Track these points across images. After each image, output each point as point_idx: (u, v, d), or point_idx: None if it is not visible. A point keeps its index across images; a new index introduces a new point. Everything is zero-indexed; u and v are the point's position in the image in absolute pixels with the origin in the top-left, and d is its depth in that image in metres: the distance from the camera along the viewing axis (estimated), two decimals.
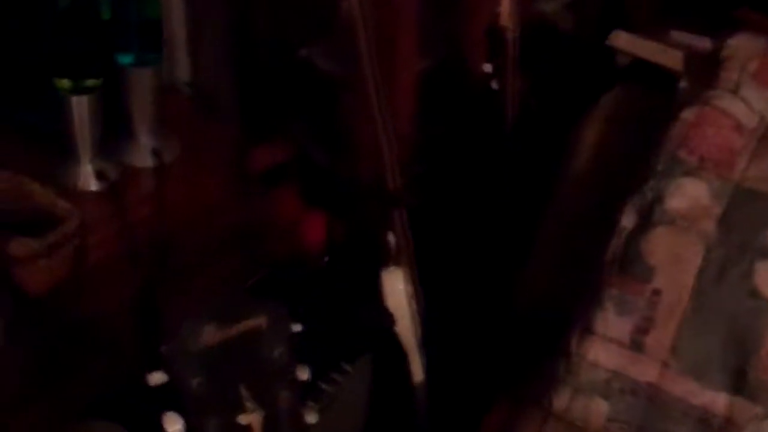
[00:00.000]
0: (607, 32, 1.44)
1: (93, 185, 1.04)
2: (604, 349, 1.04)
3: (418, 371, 1.28)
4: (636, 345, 1.03)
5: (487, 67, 1.43)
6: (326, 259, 1.32)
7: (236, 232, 1.17)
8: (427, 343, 1.30)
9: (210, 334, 0.58)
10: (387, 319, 1.17)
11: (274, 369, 0.60)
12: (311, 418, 0.63)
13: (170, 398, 0.58)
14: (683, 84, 1.20)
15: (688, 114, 1.12)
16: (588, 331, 1.05)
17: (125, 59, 1.05)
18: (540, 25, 1.61)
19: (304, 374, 0.62)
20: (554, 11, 1.66)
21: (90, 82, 1.01)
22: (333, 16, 1.26)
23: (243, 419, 0.59)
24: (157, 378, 0.58)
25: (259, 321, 0.60)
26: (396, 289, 1.24)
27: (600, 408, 1.03)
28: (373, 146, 1.26)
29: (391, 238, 1.27)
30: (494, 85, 1.43)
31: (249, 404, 0.59)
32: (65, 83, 1.00)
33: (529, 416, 1.08)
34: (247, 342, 0.59)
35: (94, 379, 1.00)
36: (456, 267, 1.41)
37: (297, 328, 0.62)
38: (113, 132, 1.07)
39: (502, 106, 1.43)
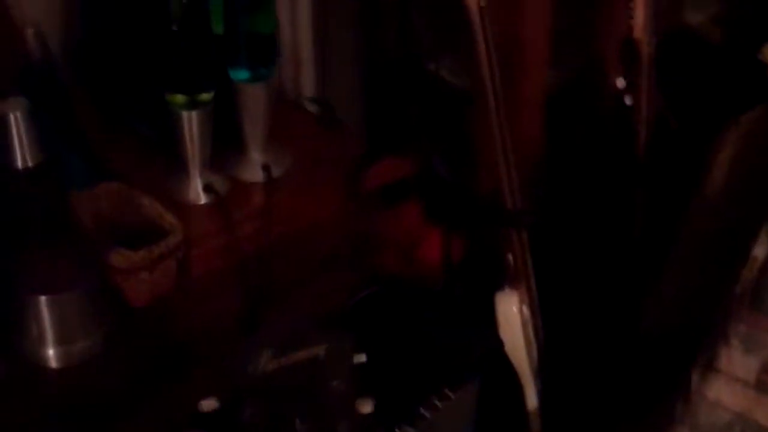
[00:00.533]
0: (759, 46, 1.34)
1: (202, 198, 1.05)
2: (728, 388, 0.96)
3: (532, 398, 1.23)
4: (763, 386, 0.94)
5: (621, 82, 1.36)
6: (443, 281, 1.28)
7: (348, 247, 1.16)
8: (544, 368, 1.25)
9: (265, 362, 0.56)
10: (495, 344, 1.12)
11: (333, 400, 0.58)
12: None
13: (223, 426, 0.57)
14: None
15: None
16: (711, 368, 0.98)
17: (238, 75, 1.05)
18: (683, 38, 1.52)
19: (366, 407, 0.59)
20: (701, 23, 1.57)
21: (202, 97, 1.02)
22: (462, 28, 1.22)
23: None
24: (208, 405, 0.56)
25: (318, 351, 0.57)
26: (510, 312, 1.19)
27: None
28: (493, 163, 1.22)
29: (510, 259, 1.23)
30: (628, 101, 1.35)
31: None
32: (178, 98, 1.01)
33: None
34: (304, 371, 0.57)
35: (192, 393, 1.00)
36: (581, 290, 1.35)
37: (360, 359, 0.59)
38: (224, 146, 1.08)
39: (635, 124, 1.36)
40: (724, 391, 0.96)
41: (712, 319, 1.04)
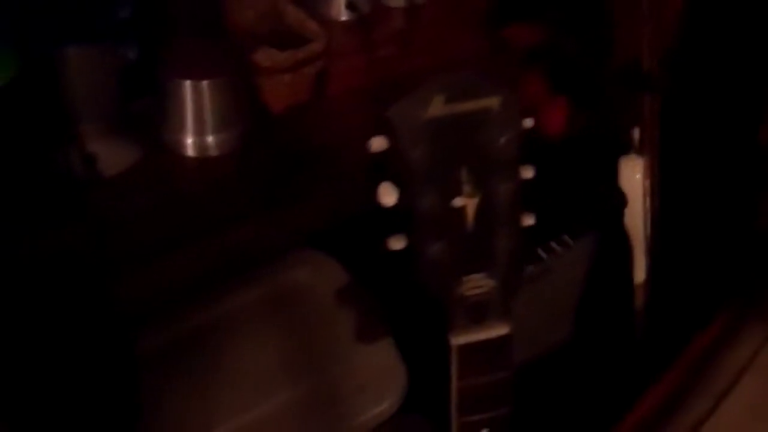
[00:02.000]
0: None
1: (343, 15, 1.05)
2: None
3: (640, 270, 1.21)
4: None
5: None
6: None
7: None
8: (656, 243, 1.23)
9: (439, 105, 0.56)
10: (617, 202, 1.10)
11: (499, 157, 0.57)
12: (529, 220, 0.60)
13: (388, 169, 0.57)
14: None
15: None
16: None
17: None
18: None
19: (528, 173, 0.59)
20: None
21: None
22: None
23: (458, 201, 0.57)
24: (378, 143, 0.56)
25: (492, 102, 0.57)
26: (632, 178, 1.17)
27: None
28: (632, 26, 1.19)
29: (636, 129, 1.20)
30: None
31: (467, 187, 0.57)
32: None
33: (751, 330, 0.99)
34: (475, 122, 0.57)
35: (315, 209, 1.01)
36: (705, 168, 1.31)
37: (528, 123, 0.59)
38: None
39: None
40: None
41: None
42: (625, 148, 1.20)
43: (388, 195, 0.57)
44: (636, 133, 1.19)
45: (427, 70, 1.05)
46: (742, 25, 1.32)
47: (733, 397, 0.97)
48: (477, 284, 0.59)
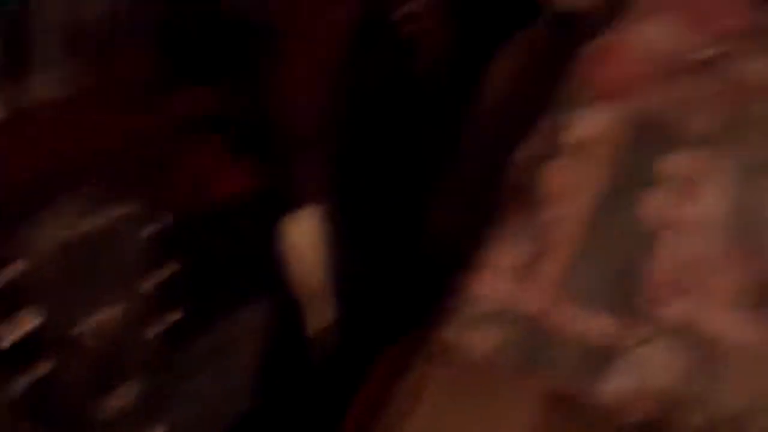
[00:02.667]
0: None
1: None
2: (492, 280, 1.04)
3: (320, 317, 1.26)
4: (525, 275, 1.04)
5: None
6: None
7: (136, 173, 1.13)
8: (341, 285, 1.28)
9: (66, 225, 0.58)
10: (277, 263, 1.14)
11: (128, 269, 0.60)
12: (175, 315, 0.63)
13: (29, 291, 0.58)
14: (590, 19, 1.20)
15: (591, 45, 1.13)
16: (478, 263, 1.06)
17: None
18: None
19: (172, 267, 0.62)
20: None
21: None
22: None
23: (92, 321, 0.60)
24: (10, 272, 0.58)
25: (118, 213, 0.60)
26: (301, 231, 1.22)
27: (487, 340, 1.03)
28: (288, 88, 1.25)
29: (307, 182, 1.26)
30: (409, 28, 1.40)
31: (98, 303, 0.60)
32: None
33: (415, 355, 1.08)
34: (103, 238, 0.59)
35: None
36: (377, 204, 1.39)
37: (150, 229, 0.62)
38: None
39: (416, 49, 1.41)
40: (488, 284, 1.04)
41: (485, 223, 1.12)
42: (299, 202, 1.26)
43: (29, 322, 0.58)
44: (306, 187, 1.26)
45: (85, 159, 1.05)
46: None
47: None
48: (120, 396, 0.62)
